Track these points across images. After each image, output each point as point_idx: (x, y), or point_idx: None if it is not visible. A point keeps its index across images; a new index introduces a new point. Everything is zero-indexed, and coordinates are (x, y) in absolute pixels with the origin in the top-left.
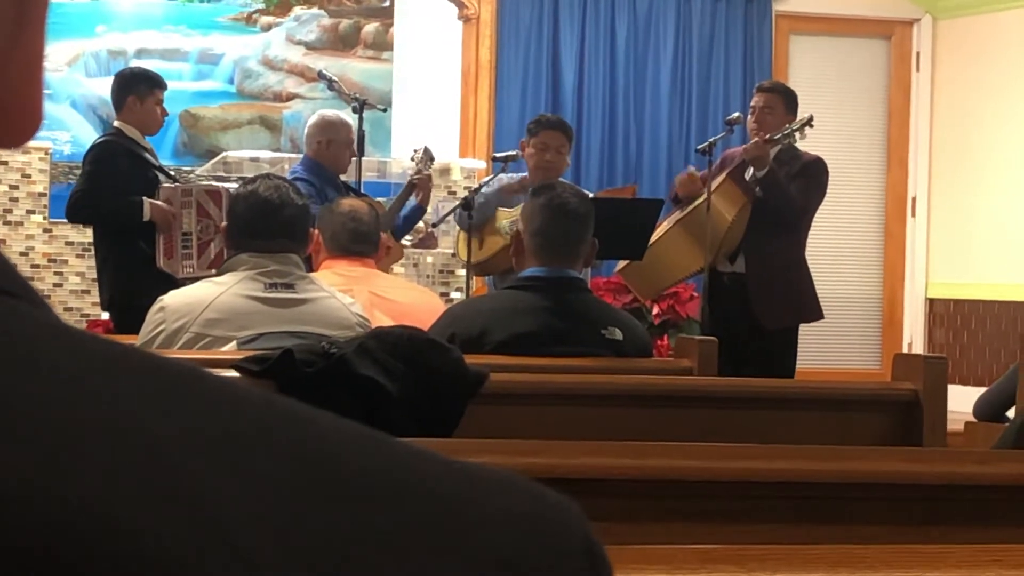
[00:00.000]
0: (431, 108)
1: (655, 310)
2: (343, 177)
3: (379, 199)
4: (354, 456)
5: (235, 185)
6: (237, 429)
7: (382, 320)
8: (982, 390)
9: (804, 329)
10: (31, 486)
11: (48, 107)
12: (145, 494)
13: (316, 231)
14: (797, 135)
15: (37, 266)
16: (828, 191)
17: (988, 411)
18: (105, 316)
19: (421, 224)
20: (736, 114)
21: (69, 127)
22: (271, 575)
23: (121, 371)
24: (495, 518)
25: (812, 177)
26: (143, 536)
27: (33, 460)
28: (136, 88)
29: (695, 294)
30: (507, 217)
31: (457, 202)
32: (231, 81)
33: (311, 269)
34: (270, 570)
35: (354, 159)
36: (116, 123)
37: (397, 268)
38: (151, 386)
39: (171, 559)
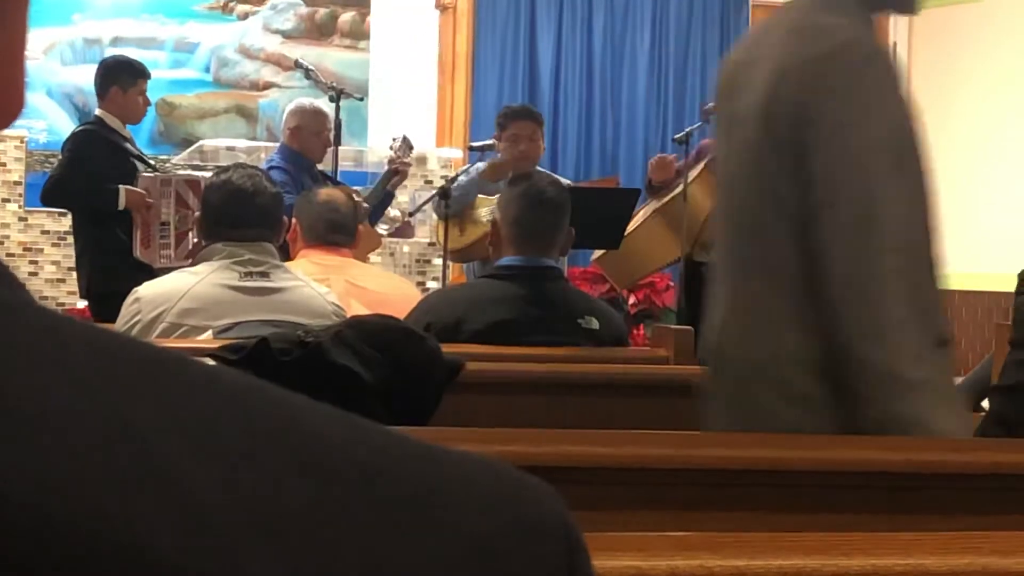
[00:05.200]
0: (408, 97)
1: (632, 299)
2: (320, 166)
3: (356, 188)
4: (332, 440)
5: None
6: (215, 413)
7: (358, 309)
8: (958, 380)
9: None
10: (4, 471)
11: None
12: (120, 479)
13: (294, 220)
14: None
15: (12, 255)
16: None
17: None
18: (81, 305)
19: (398, 213)
20: (713, 103)
21: (45, 115)
22: (249, 558)
23: (99, 354)
24: (473, 501)
25: None
26: (117, 522)
27: (8, 445)
28: (120, 78)
29: (671, 284)
30: (487, 204)
31: (434, 191)
32: (207, 70)
33: (288, 258)
34: (248, 554)
35: (330, 148)
36: (98, 112)
37: (374, 257)
38: (128, 370)
39: (145, 545)
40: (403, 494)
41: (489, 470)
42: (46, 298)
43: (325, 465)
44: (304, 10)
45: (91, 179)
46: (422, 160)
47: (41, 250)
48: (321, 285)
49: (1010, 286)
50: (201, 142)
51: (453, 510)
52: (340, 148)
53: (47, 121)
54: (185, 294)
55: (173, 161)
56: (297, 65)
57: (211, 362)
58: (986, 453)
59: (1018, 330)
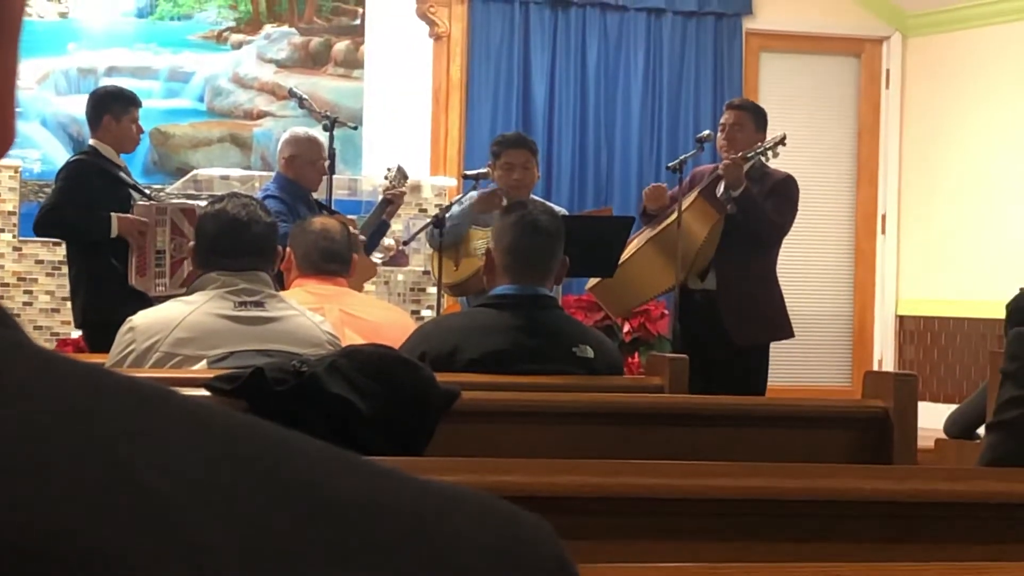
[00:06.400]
0: (402, 126)
1: (626, 328)
2: (315, 195)
3: (350, 217)
4: (324, 476)
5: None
6: (207, 450)
7: (353, 338)
8: (953, 407)
9: (774, 346)
10: (3, 514)
11: (18, 125)
12: (119, 519)
13: (288, 249)
14: (770, 153)
15: (7, 284)
16: (799, 208)
17: (959, 428)
18: (76, 335)
19: (392, 242)
20: (706, 132)
21: (39, 145)
22: None
23: (91, 392)
24: (467, 536)
25: (784, 195)
26: (117, 564)
27: (6, 487)
28: (111, 107)
29: (666, 312)
30: (482, 238)
31: (428, 220)
32: (201, 99)
33: (282, 287)
34: None
35: (325, 177)
36: (91, 141)
37: (368, 286)
38: (121, 408)
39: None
40: (395, 530)
41: (483, 505)
42: (40, 328)
43: (318, 503)
44: (298, 39)
45: (84, 208)
46: (416, 188)
47: (35, 280)
48: (316, 314)
49: (1003, 313)
50: (195, 171)
51: (446, 546)
52: (334, 177)
53: (41, 151)
54: (179, 324)
55: (167, 190)
56: (291, 94)
57: (206, 392)
58: (985, 483)
59: (1011, 363)
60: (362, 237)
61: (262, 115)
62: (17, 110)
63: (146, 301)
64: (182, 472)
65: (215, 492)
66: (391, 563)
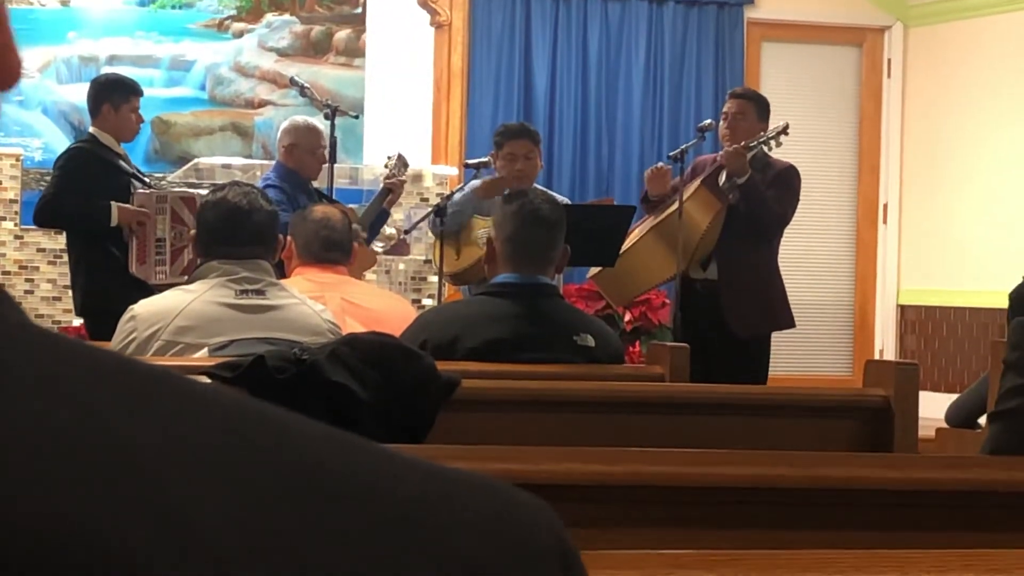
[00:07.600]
0: (403, 115)
1: (627, 317)
2: (315, 184)
3: (351, 206)
4: (325, 458)
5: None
6: (209, 432)
7: (354, 327)
8: (954, 396)
9: (776, 335)
10: (7, 500)
11: (19, 113)
12: (114, 498)
13: (289, 238)
14: (772, 143)
15: (8, 272)
16: (800, 198)
17: (960, 418)
18: (77, 323)
19: (393, 231)
20: (708, 121)
21: (40, 133)
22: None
23: (94, 373)
24: (468, 520)
25: (786, 185)
26: (110, 539)
27: (10, 473)
28: (111, 96)
29: (667, 301)
30: (483, 226)
31: (429, 209)
32: (203, 88)
33: (283, 276)
34: (237, 570)
35: (325, 165)
36: (91, 129)
37: (369, 275)
38: (124, 389)
39: (137, 561)
40: (396, 513)
41: (485, 488)
42: (42, 316)
43: (318, 485)
44: (299, 28)
45: (83, 197)
46: (417, 178)
47: (37, 268)
48: (317, 303)
49: (1005, 302)
50: (197, 160)
51: (446, 529)
52: (335, 166)
53: (43, 139)
54: (181, 312)
55: (169, 179)
56: (292, 83)
57: (207, 380)
58: (986, 471)
59: (1013, 352)
60: (356, 226)
61: (263, 104)
62: (19, 98)
63: (146, 289)
64: (184, 455)
65: (217, 475)
66: (391, 546)
